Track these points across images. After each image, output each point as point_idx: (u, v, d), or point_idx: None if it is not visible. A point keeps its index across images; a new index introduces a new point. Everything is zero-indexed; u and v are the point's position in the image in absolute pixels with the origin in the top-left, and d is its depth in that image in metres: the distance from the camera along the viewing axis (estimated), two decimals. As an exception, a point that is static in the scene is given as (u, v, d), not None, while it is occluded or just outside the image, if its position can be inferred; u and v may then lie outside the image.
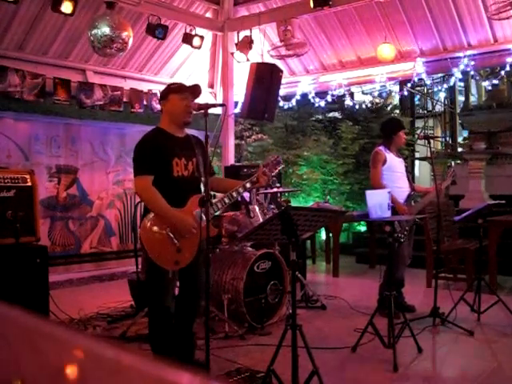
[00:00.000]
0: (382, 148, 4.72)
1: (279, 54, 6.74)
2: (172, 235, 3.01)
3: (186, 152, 3.11)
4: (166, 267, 3.01)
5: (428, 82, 10.36)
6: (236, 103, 7.53)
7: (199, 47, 6.61)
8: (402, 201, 4.55)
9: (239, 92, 7.28)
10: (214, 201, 3.16)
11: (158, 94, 6.92)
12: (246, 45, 6.59)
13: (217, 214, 3.64)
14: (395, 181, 4.62)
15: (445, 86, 7.80)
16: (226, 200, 3.16)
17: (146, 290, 3.33)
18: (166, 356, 3.10)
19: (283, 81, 6.88)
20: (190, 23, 6.55)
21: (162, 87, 7.07)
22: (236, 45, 6.72)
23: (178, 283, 3.30)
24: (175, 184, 3.05)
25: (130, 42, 5.65)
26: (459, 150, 10.43)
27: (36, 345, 0.71)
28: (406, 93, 8.65)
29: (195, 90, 3.16)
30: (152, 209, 3.04)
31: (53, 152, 6.33)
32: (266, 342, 3.87)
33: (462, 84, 11.04)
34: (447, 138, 12.39)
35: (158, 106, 7.04)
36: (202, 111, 2.95)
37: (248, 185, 3.19)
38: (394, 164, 4.67)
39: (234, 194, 3.17)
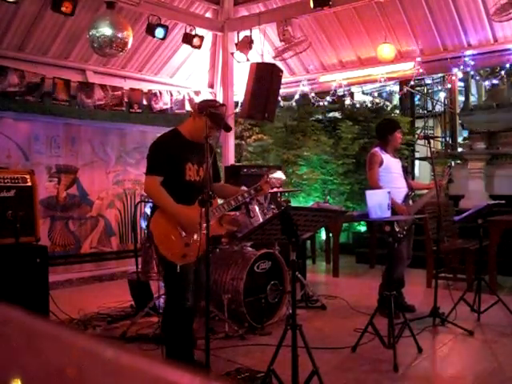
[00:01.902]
0: (377, 149, 4.74)
1: (282, 57, 6.73)
2: (181, 229, 3.11)
3: (197, 157, 3.20)
4: (174, 261, 3.06)
5: (428, 82, 10.36)
6: (236, 103, 7.52)
7: (199, 47, 6.61)
8: (399, 201, 4.56)
9: (239, 92, 7.27)
10: (220, 202, 3.30)
11: (159, 94, 7.10)
12: (245, 45, 6.59)
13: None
14: (392, 181, 4.63)
15: (446, 86, 7.80)
16: (232, 202, 3.29)
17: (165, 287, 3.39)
18: (180, 356, 3.10)
19: (283, 81, 6.88)
20: (190, 23, 6.55)
21: (162, 87, 7.23)
22: (236, 45, 6.71)
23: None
24: (187, 188, 3.16)
25: (130, 41, 5.65)
26: (459, 150, 10.41)
27: (36, 345, 0.71)
28: (406, 93, 8.65)
29: (227, 130, 3.33)
30: (159, 206, 3.16)
31: (53, 152, 6.32)
32: (266, 341, 3.87)
33: (462, 84, 11.03)
34: (447, 138, 12.37)
35: (157, 106, 7.08)
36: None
37: (252, 191, 3.32)
38: (390, 165, 4.69)
39: (240, 198, 3.30)
